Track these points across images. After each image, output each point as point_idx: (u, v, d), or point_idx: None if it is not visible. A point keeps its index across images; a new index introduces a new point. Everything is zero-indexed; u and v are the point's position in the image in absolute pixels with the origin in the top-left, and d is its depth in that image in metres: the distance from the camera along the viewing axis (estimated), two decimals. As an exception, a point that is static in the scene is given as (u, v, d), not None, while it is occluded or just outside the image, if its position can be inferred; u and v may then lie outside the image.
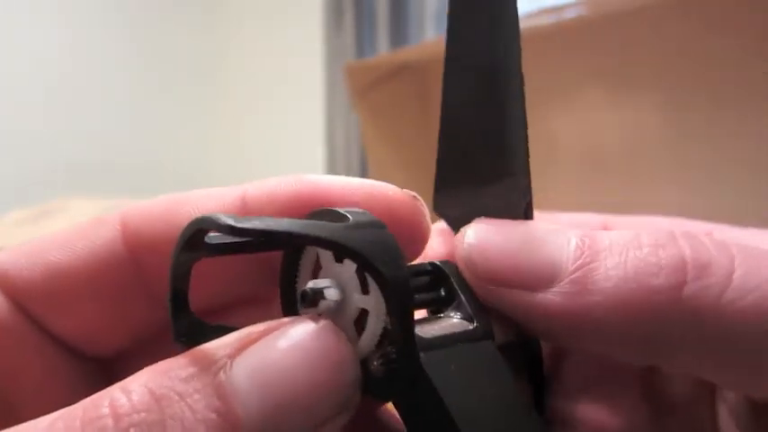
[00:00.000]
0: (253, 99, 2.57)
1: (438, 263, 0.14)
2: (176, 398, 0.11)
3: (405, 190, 0.15)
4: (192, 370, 0.11)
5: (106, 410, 0.11)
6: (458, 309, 0.14)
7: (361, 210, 0.13)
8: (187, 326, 0.13)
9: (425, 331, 0.13)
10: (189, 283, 0.13)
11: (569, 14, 0.57)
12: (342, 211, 0.13)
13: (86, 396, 0.14)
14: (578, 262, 0.13)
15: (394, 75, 0.73)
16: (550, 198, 0.67)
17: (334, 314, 0.13)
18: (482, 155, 0.15)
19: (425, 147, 0.77)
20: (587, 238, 0.14)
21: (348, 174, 2.39)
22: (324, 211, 0.13)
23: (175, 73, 2.43)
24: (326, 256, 0.13)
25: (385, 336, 0.12)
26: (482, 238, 0.14)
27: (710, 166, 0.55)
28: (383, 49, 2.05)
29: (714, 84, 0.54)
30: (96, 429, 0.10)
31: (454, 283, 0.14)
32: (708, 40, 0.54)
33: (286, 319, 0.12)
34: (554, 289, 0.13)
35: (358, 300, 0.13)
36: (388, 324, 0.12)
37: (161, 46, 2.38)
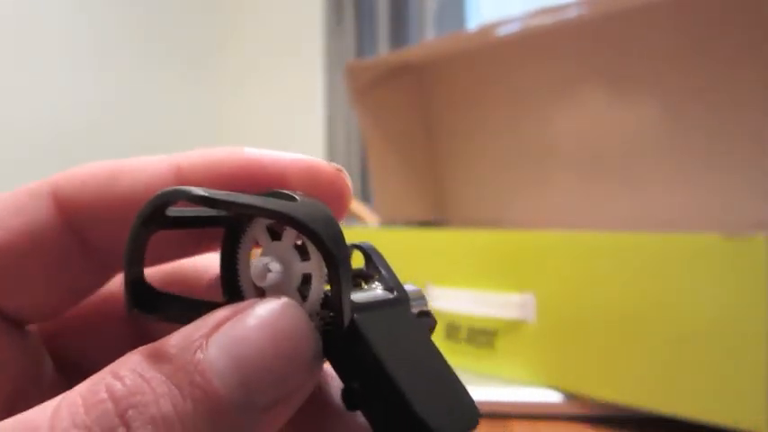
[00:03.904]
0: (253, 99, 2.57)
1: (359, 244, 0.16)
2: (163, 378, 0.12)
3: (332, 163, 0.16)
4: (173, 352, 0.12)
5: (104, 395, 0.12)
6: (379, 281, 0.16)
7: (304, 194, 0.15)
8: (141, 296, 0.14)
9: (357, 297, 0.14)
10: (144, 255, 0.14)
11: (569, 14, 0.57)
12: (291, 192, 0.14)
13: (28, 364, 0.16)
14: None
15: (394, 75, 0.73)
16: (550, 196, 0.68)
17: (281, 284, 0.14)
18: None
19: (425, 147, 0.77)
20: None
21: (348, 173, 2.36)
22: (277, 193, 0.15)
23: (176, 74, 2.43)
24: (264, 235, 0.15)
25: (325, 302, 0.14)
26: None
27: (710, 165, 0.55)
28: (383, 50, 2.05)
29: (714, 84, 0.54)
30: (100, 412, 0.11)
31: (375, 261, 0.16)
32: (707, 40, 0.54)
33: (251, 300, 0.13)
34: None
35: (300, 267, 0.14)
36: (328, 292, 0.14)
37: (161, 48, 2.38)
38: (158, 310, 0.14)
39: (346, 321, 0.14)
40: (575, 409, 0.44)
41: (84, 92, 2.15)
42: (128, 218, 0.14)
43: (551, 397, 0.43)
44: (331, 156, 2.18)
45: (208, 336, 0.12)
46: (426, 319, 0.16)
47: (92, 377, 0.12)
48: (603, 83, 0.61)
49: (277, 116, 2.50)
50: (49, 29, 2.07)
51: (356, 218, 1.10)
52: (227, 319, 0.13)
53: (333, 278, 0.13)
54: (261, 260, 0.14)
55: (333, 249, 0.13)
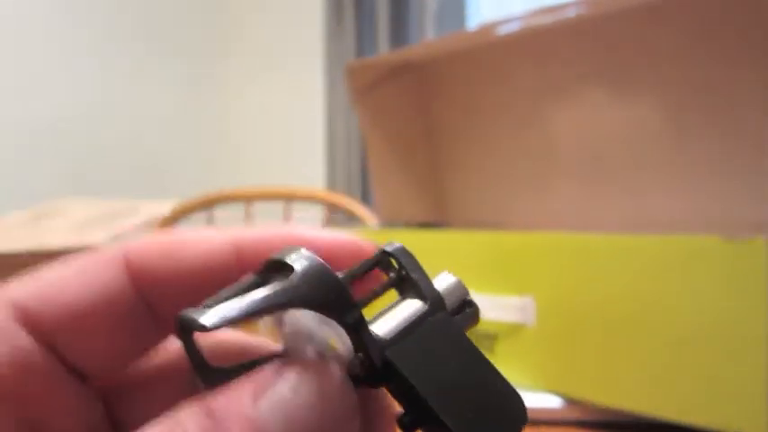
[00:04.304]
0: (253, 98, 2.57)
1: (389, 248, 0.17)
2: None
3: (371, 242, 0.18)
4: (230, 409, 0.14)
5: None
6: (411, 288, 0.16)
7: (304, 252, 0.15)
8: (211, 375, 0.16)
9: (386, 330, 0.15)
10: (198, 348, 0.16)
11: (570, 14, 0.57)
12: (288, 261, 0.15)
13: (90, 414, 0.18)
14: None
15: (394, 75, 0.73)
16: (550, 196, 0.67)
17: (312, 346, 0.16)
18: None
19: (426, 147, 0.77)
20: None
21: (348, 174, 2.37)
22: (274, 263, 0.16)
23: (176, 75, 2.43)
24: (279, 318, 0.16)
25: (356, 347, 0.15)
26: None
27: (710, 167, 0.55)
28: (383, 49, 2.05)
29: (714, 85, 0.54)
30: None
31: (404, 266, 0.17)
32: (708, 41, 0.54)
33: (294, 364, 0.15)
34: None
35: (324, 332, 0.15)
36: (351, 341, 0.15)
37: (162, 48, 2.38)
38: (220, 381, 0.16)
39: (378, 363, 0.15)
40: (575, 415, 0.43)
41: (84, 91, 2.15)
42: (187, 287, 0.17)
43: (551, 402, 0.43)
44: (331, 155, 2.18)
45: (258, 396, 0.14)
46: (468, 311, 0.17)
47: (154, 426, 0.14)
48: (604, 83, 0.61)
49: (277, 116, 2.50)
50: (50, 28, 2.07)
51: (356, 218, 1.10)
52: (275, 377, 0.14)
53: (350, 335, 0.15)
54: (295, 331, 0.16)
55: (340, 316, 0.15)
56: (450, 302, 0.17)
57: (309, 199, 1.16)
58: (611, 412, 0.42)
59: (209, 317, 0.15)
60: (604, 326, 0.41)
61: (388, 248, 0.17)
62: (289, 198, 1.15)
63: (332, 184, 2.16)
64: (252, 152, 2.55)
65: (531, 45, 0.64)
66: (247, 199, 1.17)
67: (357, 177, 2.11)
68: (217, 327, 0.14)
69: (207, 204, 1.15)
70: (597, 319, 0.42)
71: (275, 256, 0.16)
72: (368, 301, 0.16)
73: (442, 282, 0.17)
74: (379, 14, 2.08)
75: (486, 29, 0.60)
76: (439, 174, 0.76)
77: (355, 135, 2.11)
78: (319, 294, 0.15)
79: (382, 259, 0.17)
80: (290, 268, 0.15)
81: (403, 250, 0.17)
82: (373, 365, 0.15)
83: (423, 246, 0.51)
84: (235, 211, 1.58)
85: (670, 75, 0.57)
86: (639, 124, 0.59)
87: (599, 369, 0.42)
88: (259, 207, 1.28)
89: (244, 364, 0.16)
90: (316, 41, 2.30)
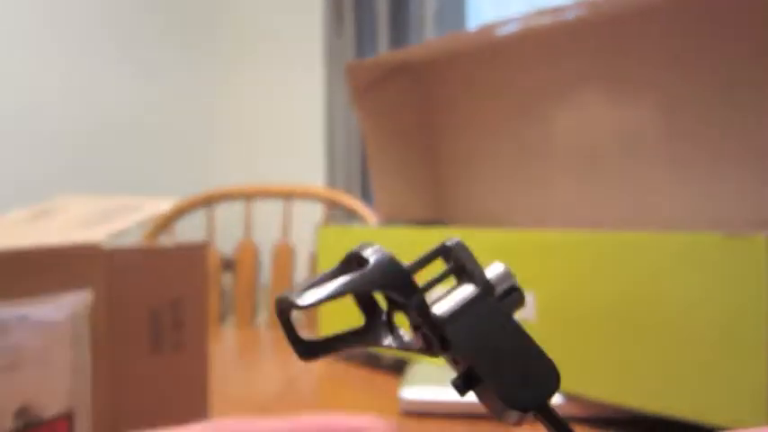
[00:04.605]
0: (254, 99, 2.57)
1: (446, 243, 0.20)
2: None
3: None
4: None
5: None
6: (467, 277, 0.19)
7: (377, 247, 0.19)
8: (303, 347, 0.18)
9: (444, 309, 0.18)
10: (293, 325, 0.18)
11: (569, 15, 0.57)
12: (364, 254, 0.18)
13: None
14: None
15: (394, 75, 0.73)
16: (549, 196, 0.68)
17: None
18: None
19: (425, 146, 0.77)
20: None
21: (348, 172, 2.36)
22: (353, 256, 0.19)
23: (180, 82, 2.43)
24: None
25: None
26: None
27: (709, 165, 0.55)
28: (383, 49, 2.05)
29: (711, 82, 0.54)
30: None
31: (460, 257, 0.19)
32: (706, 42, 0.54)
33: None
34: None
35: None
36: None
37: (164, 50, 2.38)
38: (321, 354, 0.19)
39: (437, 338, 0.18)
40: (575, 411, 0.43)
41: (84, 91, 2.15)
42: None
43: (552, 399, 0.43)
44: (331, 155, 2.18)
45: None
46: (514, 294, 0.20)
47: None
48: (602, 83, 0.61)
49: (277, 116, 2.50)
50: (49, 26, 2.07)
51: (356, 216, 1.10)
52: None
53: (414, 315, 0.18)
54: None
55: (406, 298, 0.18)
56: (498, 288, 0.19)
57: (309, 196, 1.17)
58: (610, 408, 0.42)
59: (304, 298, 0.18)
60: (604, 322, 0.41)
61: (448, 243, 0.20)
62: (288, 195, 1.16)
63: (332, 182, 2.17)
64: (252, 150, 2.55)
65: (531, 46, 0.65)
66: (247, 197, 1.17)
67: (357, 175, 2.11)
68: (310, 306, 0.17)
69: (207, 202, 1.16)
70: (597, 315, 0.42)
71: (353, 250, 0.19)
72: (429, 286, 0.19)
73: (493, 270, 0.20)
74: (379, 14, 2.09)
75: (486, 30, 0.60)
76: (438, 173, 0.76)
77: (355, 134, 2.11)
78: (389, 281, 0.18)
79: (442, 251, 0.20)
80: (365, 260, 0.18)
81: (460, 244, 0.20)
82: (433, 339, 0.18)
83: (423, 244, 0.51)
84: (235, 208, 1.58)
85: (667, 75, 0.57)
86: (637, 124, 0.59)
87: (599, 365, 0.42)
88: (259, 205, 1.28)
89: (334, 337, 0.19)
90: (316, 41, 2.30)
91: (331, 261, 0.64)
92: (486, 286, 0.19)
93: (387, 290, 0.18)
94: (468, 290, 0.19)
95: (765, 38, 0.51)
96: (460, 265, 0.20)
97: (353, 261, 0.19)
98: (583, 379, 0.43)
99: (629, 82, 0.60)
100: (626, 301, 0.41)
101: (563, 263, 0.44)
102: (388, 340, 0.19)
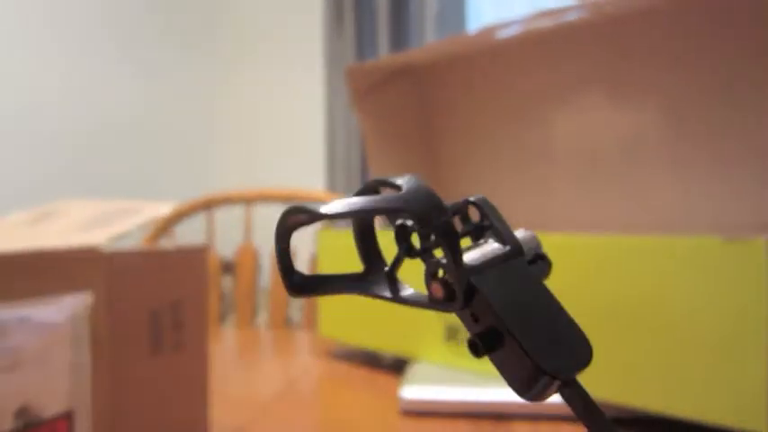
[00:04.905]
0: (254, 99, 2.57)
1: (473, 199, 0.18)
2: None
3: None
4: None
5: None
6: (494, 234, 0.18)
7: (411, 177, 0.17)
8: (295, 280, 0.17)
9: (472, 259, 0.17)
10: (290, 252, 0.17)
11: (569, 17, 0.57)
12: (397, 182, 0.17)
13: None
14: None
15: (394, 77, 0.73)
16: (550, 199, 0.68)
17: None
18: None
19: (425, 149, 0.77)
20: None
21: (348, 174, 2.36)
22: (382, 182, 0.17)
23: (178, 76, 2.43)
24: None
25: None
26: None
27: (709, 168, 0.55)
28: (383, 51, 2.05)
29: (712, 85, 0.54)
30: None
31: (489, 214, 0.18)
32: (706, 44, 0.54)
33: None
34: None
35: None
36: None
37: (164, 51, 2.38)
38: (311, 291, 0.17)
39: (462, 285, 0.16)
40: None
41: (84, 90, 2.15)
42: None
43: (552, 397, 0.43)
44: (331, 156, 2.18)
45: None
46: (540, 263, 0.18)
47: None
48: (603, 86, 0.61)
49: (277, 116, 2.50)
50: (49, 25, 2.07)
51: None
52: None
53: (442, 244, 0.16)
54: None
55: (436, 224, 0.16)
56: (527, 250, 0.18)
57: (309, 200, 1.17)
58: (611, 408, 0.42)
59: (330, 206, 0.16)
60: (605, 325, 0.42)
61: (472, 198, 0.18)
62: (288, 199, 1.16)
63: (332, 183, 2.17)
64: (252, 150, 2.55)
65: (532, 48, 0.65)
66: (247, 200, 1.17)
67: (357, 178, 2.11)
68: (336, 216, 0.16)
69: (207, 205, 1.16)
70: (598, 317, 0.42)
71: (386, 178, 0.17)
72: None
73: (520, 233, 0.18)
74: (379, 15, 2.09)
75: (486, 32, 0.60)
76: (438, 175, 0.76)
77: (355, 135, 2.11)
78: (422, 205, 0.16)
79: (465, 206, 0.18)
80: (399, 186, 0.17)
81: (485, 201, 0.18)
82: (456, 289, 0.16)
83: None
84: (235, 212, 1.58)
85: (668, 77, 0.57)
86: (638, 126, 0.59)
87: (599, 366, 0.42)
88: (259, 208, 1.28)
89: (329, 277, 0.17)
90: (316, 42, 2.30)
91: (332, 264, 0.64)
92: (515, 246, 0.18)
93: (417, 213, 0.16)
94: (495, 246, 0.18)
95: (765, 38, 0.51)
96: (484, 225, 0.18)
97: (375, 190, 0.18)
98: (585, 379, 0.43)
99: (630, 85, 0.60)
100: (627, 304, 0.41)
101: (564, 266, 0.44)
102: (386, 292, 0.18)
